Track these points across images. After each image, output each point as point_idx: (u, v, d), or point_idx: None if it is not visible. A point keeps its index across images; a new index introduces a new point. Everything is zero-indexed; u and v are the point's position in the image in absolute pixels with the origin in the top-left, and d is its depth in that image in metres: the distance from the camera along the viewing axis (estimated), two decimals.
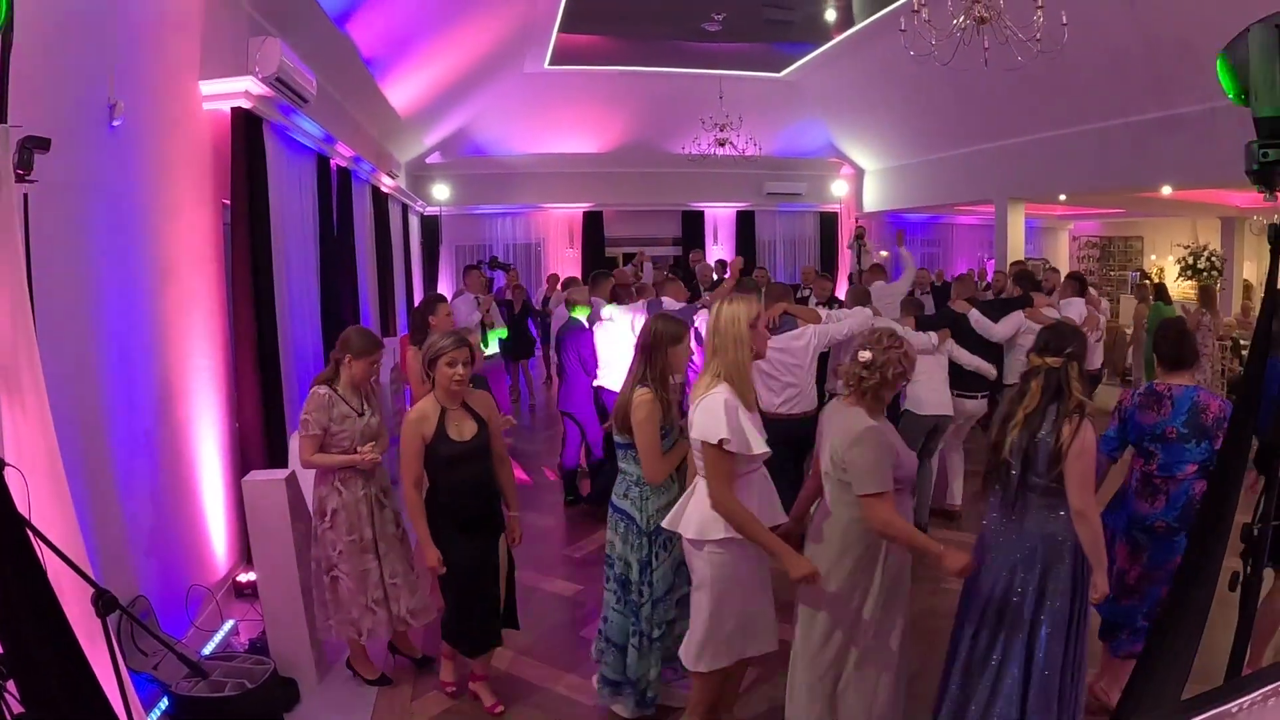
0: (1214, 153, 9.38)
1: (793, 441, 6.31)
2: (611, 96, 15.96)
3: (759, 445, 3.55)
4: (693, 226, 18.62)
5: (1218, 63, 2.52)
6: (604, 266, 16.74)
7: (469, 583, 4.27)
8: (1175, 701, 2.62)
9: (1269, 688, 1.51)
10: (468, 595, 4.30)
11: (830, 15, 13.51)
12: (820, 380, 6.78)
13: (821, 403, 6.73)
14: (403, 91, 11.14)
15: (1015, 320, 7.28)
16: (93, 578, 2.60)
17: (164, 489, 4.87)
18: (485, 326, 9.17)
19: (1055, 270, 13.05)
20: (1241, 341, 10.48)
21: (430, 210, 16.83)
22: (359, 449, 4.47)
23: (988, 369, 6.92)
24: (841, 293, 11.53)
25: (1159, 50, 9.66)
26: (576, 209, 18.00)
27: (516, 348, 12.84)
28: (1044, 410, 3.46)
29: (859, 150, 18.25)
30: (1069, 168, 12.80)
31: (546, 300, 13.10)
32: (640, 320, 7.46)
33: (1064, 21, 7.52)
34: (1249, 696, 1.48)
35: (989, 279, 14.45)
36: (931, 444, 6.88)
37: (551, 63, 14.32)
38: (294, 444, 5.66)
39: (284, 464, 5.58)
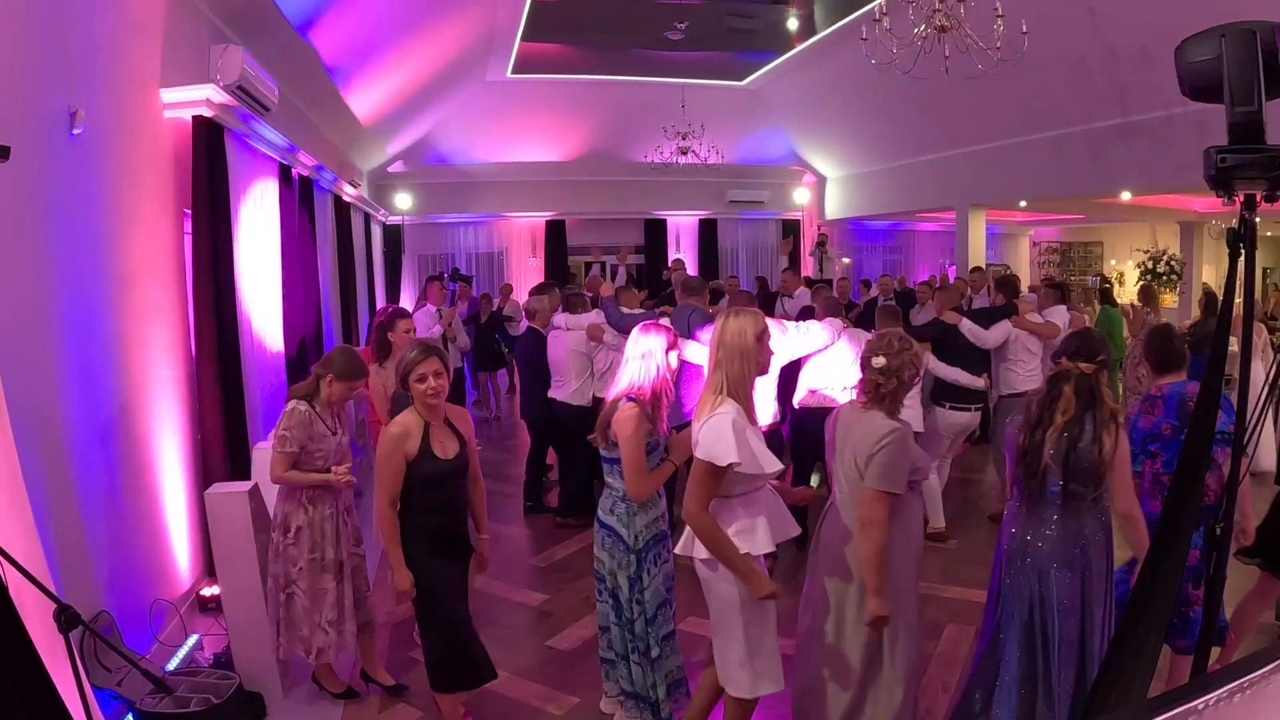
0: (1172, 158, 9.56)
1: None
2: (574, 105, 15.96)
3: (771, 463, 3.47)
4: (655, 235, 18.65)
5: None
6: (566, 276, 16.84)
7: (457, 611, 4.05)
8: (1141, 699, 2.64)
9: (1234, 684, 1.53)
10: (460, 624, 4.04)
11: (792, 24, 13.61)
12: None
13: (783, 419, 6.73)
14: (365, 100, 11.08)
15: (1005, 328, 7.19)
16: (54, 593, 2.55)
17: (126, 502, 4.80)
18: (447, 340, 9.09)
19: (1015, 277, 13.20)
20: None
21: (393, 219, 16.74)
22: (334, 469, 4.44)
23: (969, 381, 6.88)
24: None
25: (1118, 58, 9.80)
26: (539, 218, 17.97)
27: (482, 360, 12.81)
28: (1081, 419, 3.54)
29: (821, 158, 18.37)
30: (1029, 174, 12.95)
31: (501, 310, 13.05)
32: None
33: (1024, 30, 7.62)
34: (1215, 693, 1.49)
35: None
36: None
37: (514, 71, 14.30)
38: (258, 455, 5.61)
39: (246, 476, 5.53)
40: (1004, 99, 11.52)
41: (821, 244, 17.47)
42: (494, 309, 13.04)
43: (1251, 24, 2.32)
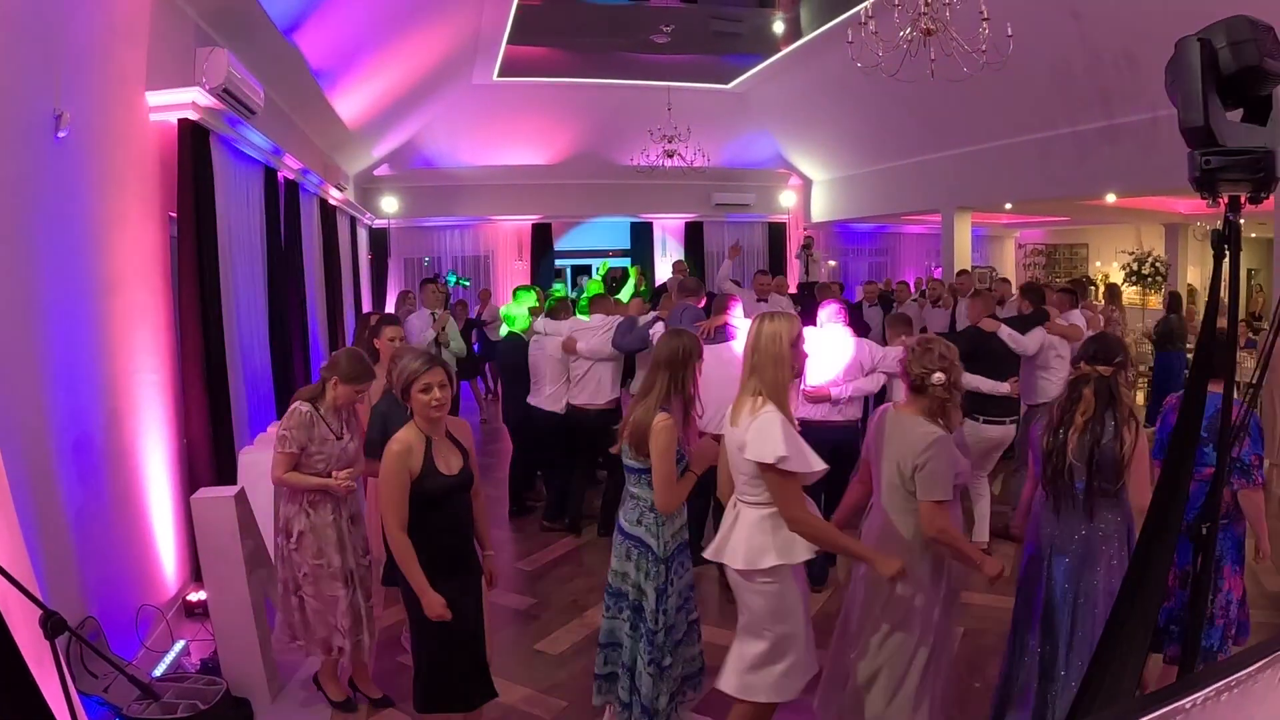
0: (1157, 161, 9.60)
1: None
2: (560, 108, 15.95)
3: (817, 462, 3.48)
4: (641, 238, 18.65)
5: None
6: (552, 279, 16.82)
7: (454, 634, 3.77)
8: (1129, 698, 2.65)
9: (1221, 683, 1.53)
10: (456, 648, 3.81)
11: (778, 27, 13.65)
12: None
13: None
14: (351, 103, 11.06)
15: (1040, 335, 6.99)
16: (40, 599, 2.54)
17: (111, 507, 4.77)
18: (440, 346, 8.93)
19: (1006, 280, 13.26)
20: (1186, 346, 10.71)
21: (379, 223, 16.69)
22: (334, 474, 4.35)
23: (991, 387, 6.47)
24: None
25: (1103, 61, 9.85)
26: (525, 220, 17.95)
27: (463, 366, 12.74)
28: (1102, 418, 3.67)
29: (807, 161, 18.40)
30: (1015, 177, 12.99)
31: (479, 315, 13.00)
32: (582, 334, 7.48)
33: (1009, 33, 7.66)
34: (1202, 692, 1.49)
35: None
36: None
37: (500, 74, 14.28)
38: (244, 459, 5.59)
39: (233, 480, 5.50)
40: (989, 102, 11.57)
41: (808, 246, 17.49)
42: (470, 315, 12.97)
43: (1208, 28, 2.33)
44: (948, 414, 3.64)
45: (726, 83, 15.86)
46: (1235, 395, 2.65)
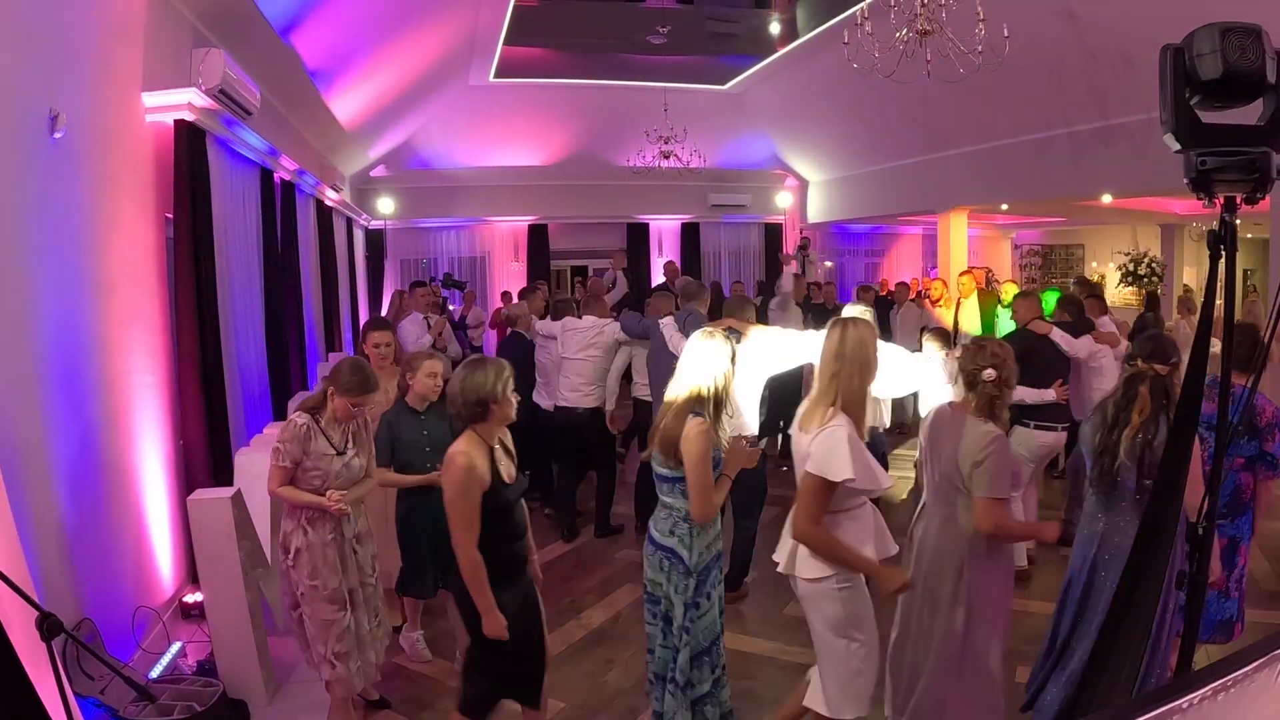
0: (1152, 162, 9.61)
1: None
2: (556, 109, 15.94)
3: (885, 478, 3.46)
4: (638, 239, 18.65)
5: None
6: (548, 280, 16.80)
7: (530, 640, 3.74)
8: (1126, 698, 2.66)
9: (1218, 682, 1.54)
10: (526, 657, 3.75)
11: (774, 28, 13.65)
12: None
13: (773, 431, 6.69)
14: (347, 104, 11.05)
15: (1088, 342, 6.79)
16: (36, 601, 2.54)
17: (108, 509, 4.77)
18: (436, 349, 8.80)
19: (998, 281, 13.29)
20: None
21: (375, 224, 16.68)
22: (329, 493, 4.10)
23: (1035, 396, 6.26)
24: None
25: (1099, 62, 9.86)
26: (522, 222, 17.94)
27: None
28: (1156, 418, 3.72)
29: (803, 162, 18.41)
30: (1011, 177, 13.00)
31: (464, 318, 12.98)
32: (573, 335, 7.50)
33: (1006, 34, 7.66)
34: (1199, 691, 1.50)
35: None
36: None
37: (496, 75, 14.27)
38: (240, 461, 5.59)
39: (229, 482, 5.49)
40: (985, 103, 11.58)
41: (804, 247, 17.49)
42: (454, 318, 12.92)
43: (1193, 34, 2.34)
44: (996, 412, 3.67)
45: (723, 84, 15.86)
46: (1234, 399, 2.65)
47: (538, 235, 18.07)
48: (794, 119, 16.68)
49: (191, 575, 5.50)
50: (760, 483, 6.24)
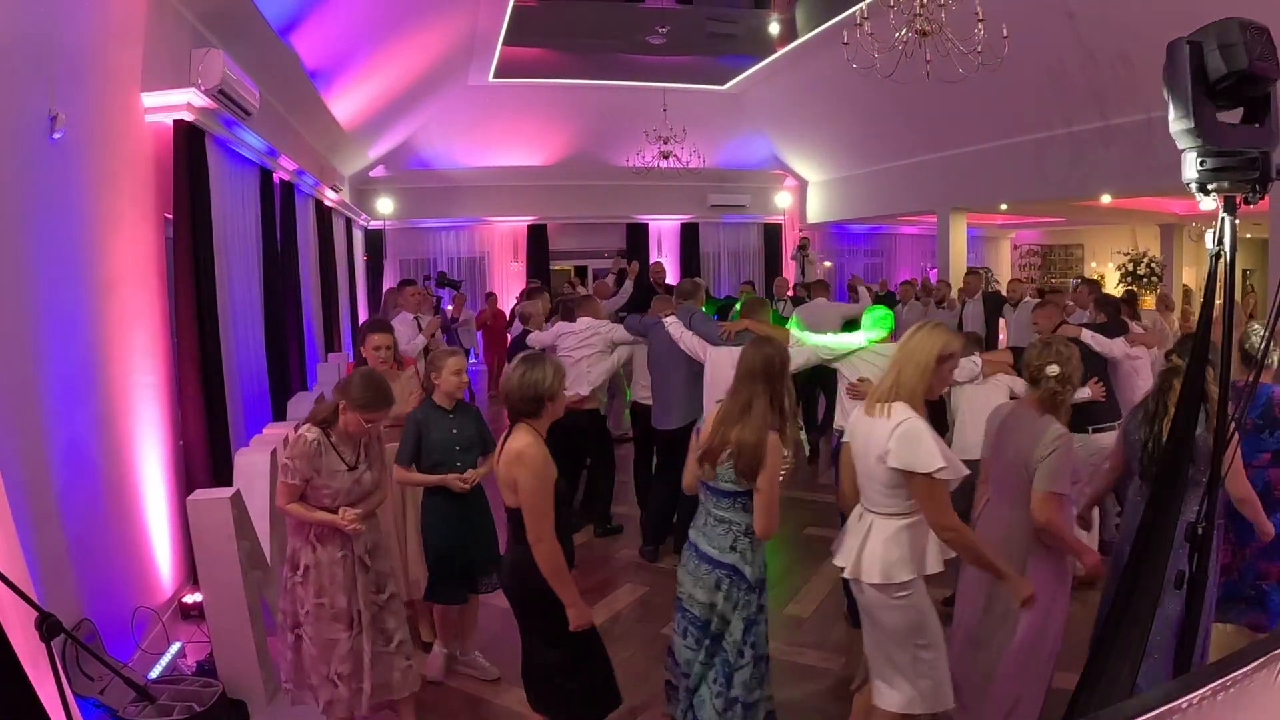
0: (1152, 162, 9.62)
1: None
2: (556, 109, 15.96)
3: (961, 466, 3.39)
4: (637, 239, 18.65)
5: None
6: (548, 280, 16.79)
7: (596, 638, 3.75)
8: (1125, 697, 2.66)
9: (1217, 683, 1.54)
10: (600, 651, 3.77)
11: (773, 28, 13.65)
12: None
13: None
14: (346, 104, 11.05)
15: (1122, 344, 6.71)
16: (36, 601, 2.53)
17: (107, 509, 4.76)
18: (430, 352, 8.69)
19: (997, 281, 13.29)
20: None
21: (374, 224, 16.69)
22: (342, 510, 3.93)
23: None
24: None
25: (1098, 62, 9.87)
26: (521, 222, 17.96)
27: None
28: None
29: (802, 162, 18.42)
30: (1010, 178, 13.01)
31: (455, 319, 12.97)
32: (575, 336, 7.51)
33: (1005, 34, 7.66)
34: (1198, 692, 1.50)
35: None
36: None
37: (496, 75, 14.29)
38: (240, 461, 5.58)
39: (229, 482, 5.48)
40: (985, 103, 11.59)
41: (803, 248, 17.50)
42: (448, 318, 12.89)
43: (1199, 32, 2.34)
44: (1059, 408, 3.74)
45: (722, 84, 15.87)
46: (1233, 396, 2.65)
47: (537, 235, 18.09)
48: (793, 119, 16.69)
49: (191, 576, 5.50)
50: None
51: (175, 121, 5.66)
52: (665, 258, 18.31)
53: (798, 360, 5.99)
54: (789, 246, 19.16)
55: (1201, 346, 2.77)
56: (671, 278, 16.24)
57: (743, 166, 18.59)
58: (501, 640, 5.51)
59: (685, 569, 3.86)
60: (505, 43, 12.90)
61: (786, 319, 9.40)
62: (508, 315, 13.37)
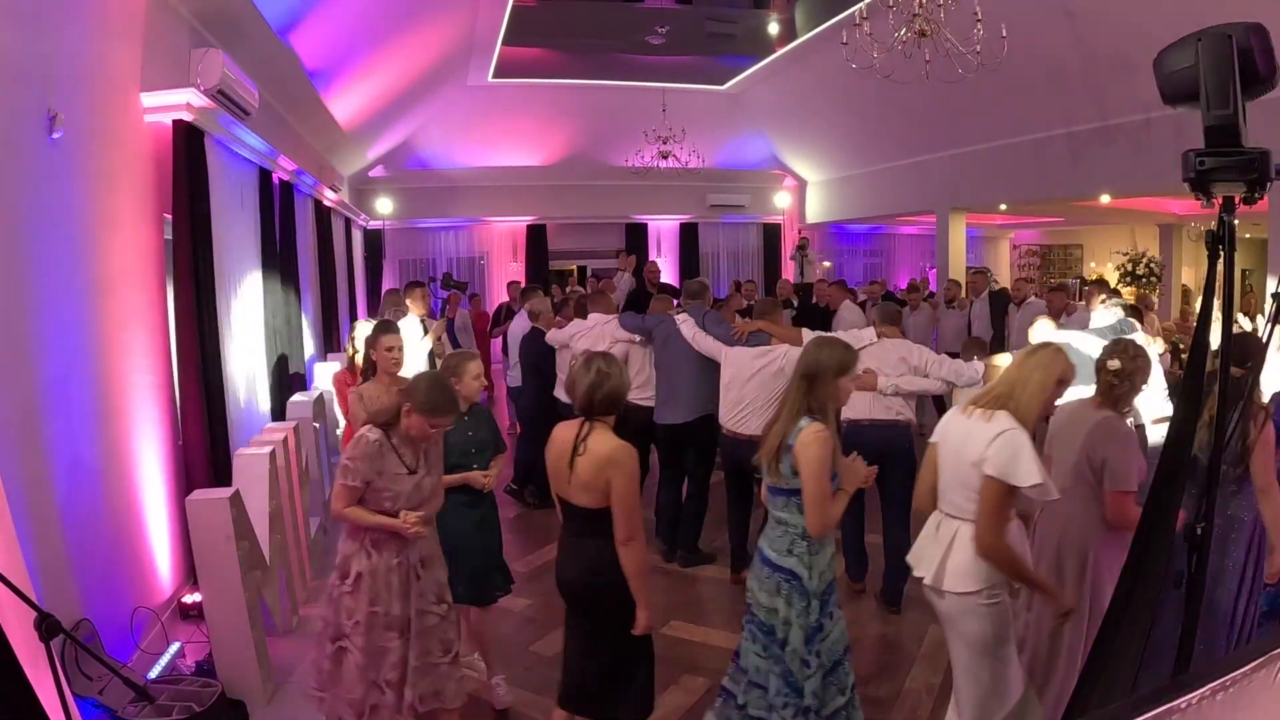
0: (1151, 162, 9.64)
1: (737, 464, 6.25)
2: (555, 109, 15.97)
3: (1052, 492, 3.35)
4: (636, 239, 18.65)
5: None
6: (547, 280, 16.78)
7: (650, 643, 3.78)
8: (1124, 697, 2.66)
9: (1216, 683, 1.54)
10: (651, 657, 3.79)
11: (773, 28, 13.66)
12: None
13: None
14: (346, 104, 11.05)
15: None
16: (35, 601, 2.53)
17: (107, 509, 4.76)
18: (434, 357, 8.71)
19: (995, 280, 13.30)
20: (1181, 345, 10.74)
21: (373, 224, 16.69)
22: (403, 514, 3.80)
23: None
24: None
25: (1097, 62, 9.87)
26: (520, 222, 17.96)
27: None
28: (1243, 414, 3.78)
29: (801, 162, 18.42)
30: (1009, 178, 13.03)
31: (450, 320, 12.96)
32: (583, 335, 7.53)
33: (1004, 34, 7.67)
34: (1197, 692, 1.50)
35: (932, 288, 14.66)
36: None
37: (495, 75, 14.29)
38: (239, 461, 5.57)
39: (228, 482, 5.48)
40: (984, 103, 11.59)
41: (802, 247, 17.50)
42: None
43: (1228, 26, 2.34)
44: (1116, 403, 3.86)
45: (721, 84, 15.88)
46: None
47: (536, 235, 18.09)
48: (792, 119, 16.69)
49: (190, 576, 5.49)
50: None
51: (174, 121, 5.65)
52: (664, 258, 18.32)
53: None
54: (788, 246, 19.16)
55: (1200, 346, 2.77)
56: (671, 278, 16.29)
57: (742, 166, 18.60)
58: (511, 640, 5.54)
59: (752, 572, 3.83)
60: (505, 43, 12.90)
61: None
62: (490, 317, 13.30)
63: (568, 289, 12.65)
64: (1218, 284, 2.48)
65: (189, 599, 5.45)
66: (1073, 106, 10.90)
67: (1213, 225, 2.37)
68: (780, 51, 14.07)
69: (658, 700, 3.95)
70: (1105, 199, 13.09)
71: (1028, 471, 3.20)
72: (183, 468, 5.80)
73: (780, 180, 19.34)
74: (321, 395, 7.74)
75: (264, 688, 4.64)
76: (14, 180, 3.92)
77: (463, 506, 4.62)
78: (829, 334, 5.33)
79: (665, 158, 14.89)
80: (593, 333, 7.43)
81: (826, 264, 19.54)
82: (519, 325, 8.98)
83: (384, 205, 16.70)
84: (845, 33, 8.57)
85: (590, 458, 3.54)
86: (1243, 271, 16.38)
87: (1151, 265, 17.02)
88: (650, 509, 7.11)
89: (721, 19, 15.43)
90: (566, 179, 17.70)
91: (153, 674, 4.56)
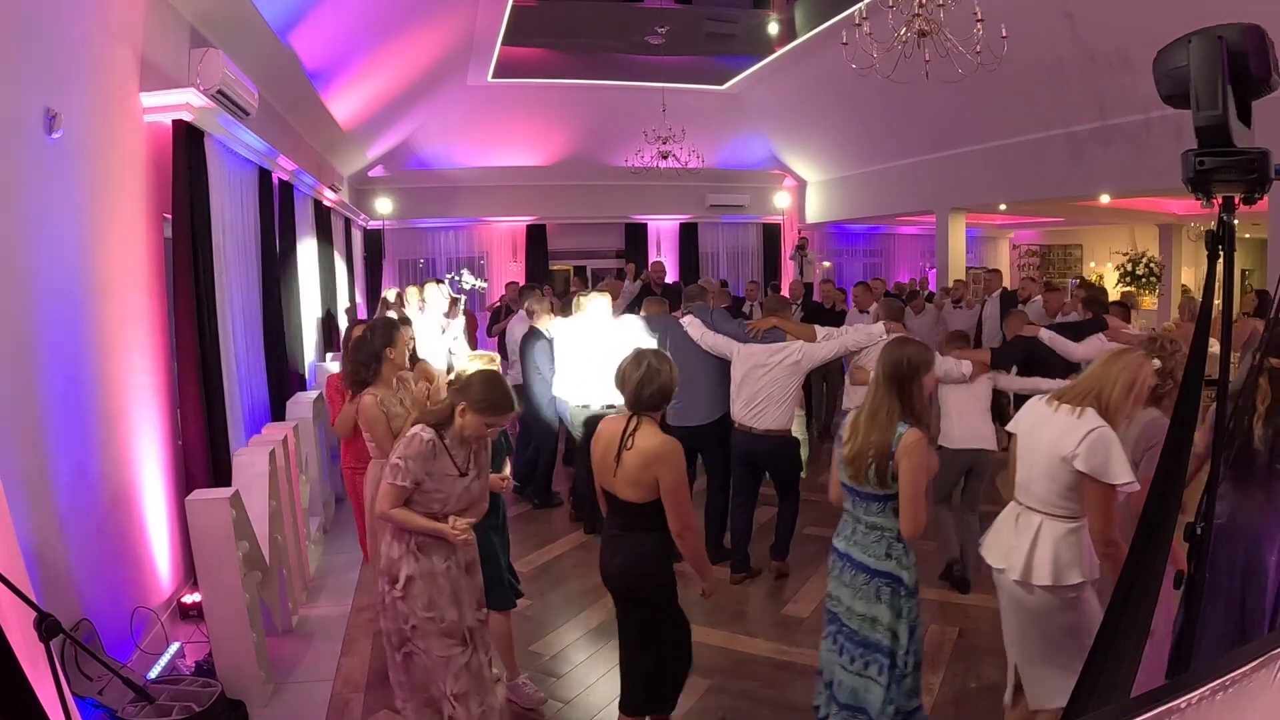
0: (1150, 162, 9.65)
1: (750, 458, 6.28)
2: (555, 109, 15.96)
3: (1136, 486, 3.40)
4: (636, 239, 18.66)
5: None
6: (547, 280, 16.79)
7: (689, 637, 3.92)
8: (1124, 698, 2.66)
9: (1216, 683, 1.53)
10: (689, 653, 3.93)
11: (772, 28, 13.65)
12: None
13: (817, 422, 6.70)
14: (345, 104, 11.04)
15: (1097, 343, 6.61)
16: (35, 601, 2.53)
17: (106, 509, 4.76)
18: (451, 355, 8.58)
19: (1103, 290, 13.26)
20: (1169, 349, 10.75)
21: (373, 224, 16.69)
22: (452, 519, 3.71)
23: (1049, 385, 5.95)
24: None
25: (1096, 62, 9.88)
26: (520, 222, 17.95)
27: None
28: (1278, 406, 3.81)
29: (801, 162, 18.42)
30: (1009, 178, 13.03)
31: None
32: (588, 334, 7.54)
33: (1004, 34, 7.67)
34: (1196, 692, 1.50)
35: (931, 288, 14.67)
36: (972, 488, 6.24)
37: (495, 75, 14.28)
38: (240, 460, 5.57)
39: (228, 482, 5.48)
40: (983, 103, 11.59)
41: (802, 248, 17.51)
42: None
43: (1222, 27, 2.34)
44: (1158, 401, 3.95)
45: (721, 84, 15.87)
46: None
47: (536, 235, 18.08)
48: (792, 119, 16.69)
49: (190, 576, 5.49)
50: (796, 465, 6.51)
51: (174, 121, 5.65)
52: (664, 258, 18.31)
53: (829, 352, 6.11)
54: (788, 246, 19.16)
55: (1200, 346, 2.77)
56: (671, 278, 16.27)
57: (741, 166, 18.59)
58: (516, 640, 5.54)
59: (840, 581, 3.80)
60: (504, 43, 12.89)
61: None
62: (477, 318, 13.29)
63: (570, 291, 12.64)
64: (1217, 284, 2.48)
65: (189, 599, 5.45)
66: (1072, 106, 10.91)
67: (1212, 225, 2.37)
68: (780, 51, 14.07)
69: None
70: (1105, 199, 13.10)
71: (1120, 470, 3.31)
72: (182, 468, 5.80)
73: (780, 180, 19.33)
74: (321, 395, 7.74)
75: (264, 688, 4.65)
76: (14, 180, 3.91)
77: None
78: (899, 333, 5.35)
79: (665, 158, 14.88)
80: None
81: (826, 264, 19.55)
82: (518, 324, 8.98)
83: (384, 205, 16.69)
84: (845, 32, 8.58)
85: (637, 453, 3.59)
86: (1243, 271, 16.39)
87: (1151, 265, 17.04)
88: None
89: (721, 19, 15.44)
90: (566, 179, 17.69)
91: (152, 674, 4.56)
